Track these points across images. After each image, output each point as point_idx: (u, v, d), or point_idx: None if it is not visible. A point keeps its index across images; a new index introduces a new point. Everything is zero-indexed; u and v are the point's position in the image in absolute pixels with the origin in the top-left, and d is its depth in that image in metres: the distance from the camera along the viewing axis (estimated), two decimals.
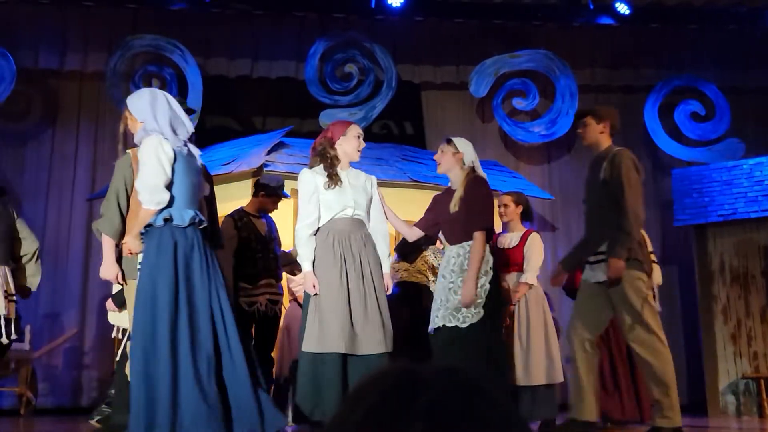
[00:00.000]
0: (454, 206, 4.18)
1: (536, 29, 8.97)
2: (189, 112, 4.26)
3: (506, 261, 5.22)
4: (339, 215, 3.97)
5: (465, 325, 4.04)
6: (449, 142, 4.31)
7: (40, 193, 8.26)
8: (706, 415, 7.32)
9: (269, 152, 7.03)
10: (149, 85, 8.44)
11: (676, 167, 8.43)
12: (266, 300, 5.05)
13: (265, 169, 6.81)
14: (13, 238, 5.32)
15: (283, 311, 5.89)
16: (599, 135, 4.26)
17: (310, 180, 4.01)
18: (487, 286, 4.11)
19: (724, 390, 7.40)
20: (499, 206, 5.35)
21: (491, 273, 4.15)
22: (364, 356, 3.78)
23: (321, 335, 3.78)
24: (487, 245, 4.18)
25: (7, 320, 5.08)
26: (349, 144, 4.07)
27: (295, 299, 6.01)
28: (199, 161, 3.82)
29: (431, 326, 4.21)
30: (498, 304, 4.22)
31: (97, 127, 8.53)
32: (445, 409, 0.63)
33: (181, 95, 8.40)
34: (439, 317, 4.14)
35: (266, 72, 8.69)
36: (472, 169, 4.25)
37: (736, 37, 8.92)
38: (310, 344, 3.80)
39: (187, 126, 3.74)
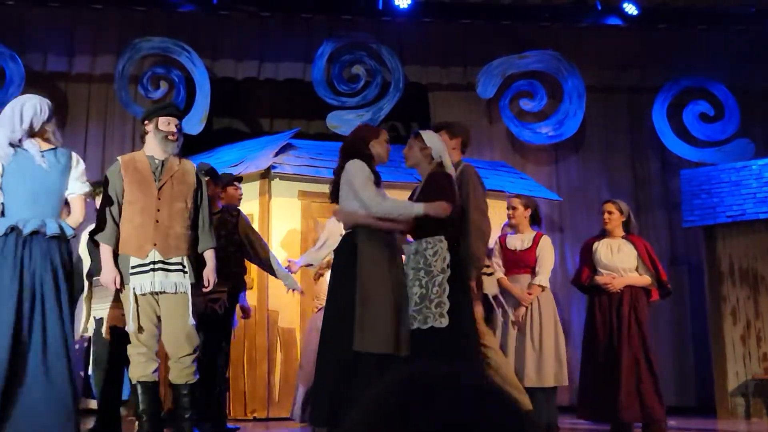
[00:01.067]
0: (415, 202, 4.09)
1: (544, 30, 8.95)
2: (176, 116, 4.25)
3: (517, 263, 5.27)
4: None
5: (426, 326, 3.87)
6: (417, 135, 4.19)
7: None
8: (716, 416, 7.30)
9: (277, 154, 7.04)
10: (157, 87, 8.48)
11: (685, 168, 8.40)
12: (207, 299, 4.75)
13: (272, 170, 6.82)
14: None
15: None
16: (451, 150, 4.32)
17: (365, 167, 3.96)
18: (446, 285, 3.91)
19: (734, 392, 7.37)
20: (507, 209, 5.42)
21: (449, 272, 3.93)
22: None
23: (392, 335, 3.82)
24: (446, 242, 3.96)
25: None
26: (381, 147, 4.08)
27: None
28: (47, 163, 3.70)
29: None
30: (463, 306, 3.98)
31: (106, 130, 8.57)
32: (458, 415, 0.62)
33: (189, 97, 8.44)
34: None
35: (274, 74, 8.70)
36: (440, 165, 4.11)
37: (744, 37, 8.88)
38: (378, 345, 3.76)
39: (24, 125, 3.68)
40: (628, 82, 9.11)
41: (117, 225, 4.01)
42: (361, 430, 0.65)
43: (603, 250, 5.29)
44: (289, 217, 6.87)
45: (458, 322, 3.90)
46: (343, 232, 4.14)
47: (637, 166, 9.05)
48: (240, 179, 5.73)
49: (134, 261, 4.00)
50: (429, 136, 4.18)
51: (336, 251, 4.07)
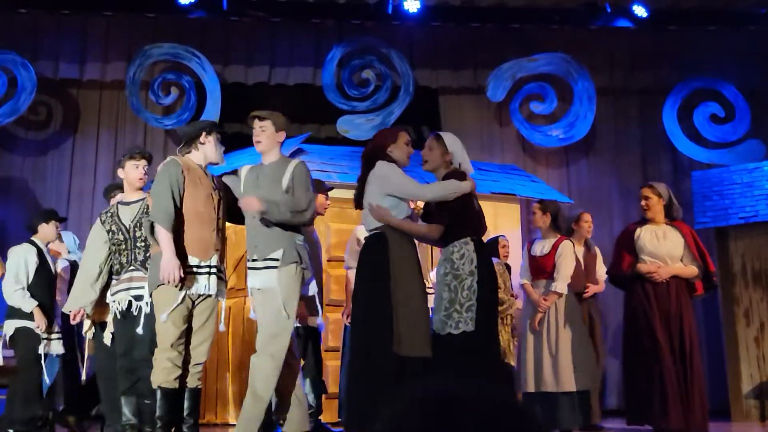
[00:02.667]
0: (438, 212, 4.05)
1: (553, 32, 8.94)
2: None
3: (538, 269, 5.26)
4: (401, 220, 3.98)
5: (458, 332, 3.87)
6: (438, 138, 4.17)
7: (62, 201, 8.33)
8: (730, 419, 7.25)
9: None
10: (168, 93, 8.51)
11: (696, 169, 8.37)
12: (129, 296, 4.42)
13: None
14: None
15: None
16: (276, 143, 4.25)
17: (394, 165, 3.97)
18: (476, 287, 3.89)
19: (748, 394, 7.33)
20: (529, 214, 5.44)
21: (477, 274, 3.90)
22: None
23: (420, 338, 3.81)
24: (472, 243, 3.95)
25: None
26: (400, 151, 4.07)
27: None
28: None
29: (432, 329, 4.06)
30: (491, 308, 3.98)
31: (117, 136, 8.61)
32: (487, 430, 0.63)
33: (200, 103, 8.47)
34: (434, 324, 4.00)
35: (284, 79, 8.72)
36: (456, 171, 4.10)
37: (755, 38, 8.85)
38: (412, 347, 3.77)
39: None
40: (638, 84, 9.08)
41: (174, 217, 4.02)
42: None
43: (647, 236, 4.94)
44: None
45: (487, 324, 3.90)
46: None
47: (648, 167, 9.02)
48: (331, 189, 5.66)
49: (191, 261, 4.00)
50: (451, 140, 4.17)
51: (365, 250, 3.99)
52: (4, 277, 5.50)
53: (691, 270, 4.89)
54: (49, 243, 5.67)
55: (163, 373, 3.97)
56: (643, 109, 9.18)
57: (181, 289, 3.96)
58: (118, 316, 4.42)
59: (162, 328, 4.00)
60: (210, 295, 4.06)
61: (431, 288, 4.94)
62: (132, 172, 4.56)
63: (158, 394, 3.96)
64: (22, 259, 5.44)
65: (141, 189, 4.63)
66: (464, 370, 3.81)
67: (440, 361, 3.85)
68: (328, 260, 6.78)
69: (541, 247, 5.30)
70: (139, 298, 4.34)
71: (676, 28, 8.96)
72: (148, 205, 4.38)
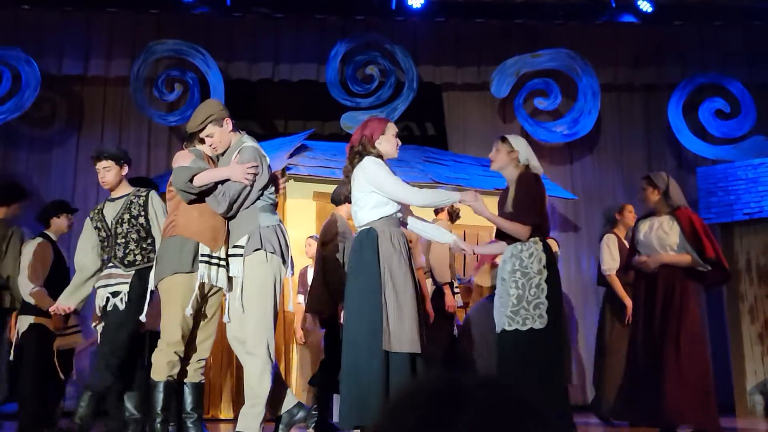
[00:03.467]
0: (509, 206, 4.17)
1: (558, 28, 8.92)
2: None
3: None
4: (391, 215, 3.92)
5: (525, 328, 4.00)
6: (504, 140, 4.27)
7: (66, 197, 8.29)
8: (734, 415, 7.24)
9: (291, 155, 7.05)
10: (172, 90, 8.51)
11: (701, 165, 8.35)
12: (107, 293, 4.32)
13: (287, 172, 6.82)
14: None
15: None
16: (229, 134, 4.14)
17: (381, 162, 3.91)
18: (544, 285, 4.03)
19: (752, 390, 7.32)
20: None
21: (546, 272, 4.05)
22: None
23: (410, 335, 3.74)
24: (541, 243, 4.10)
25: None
26: (389, 143, 4.00)
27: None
28: None
29: (497, 327, 4.17)
30: (560, 306, 4.14)
31: (121, 132, 8.61)
32: (491, 427, 0.62)
33: (203, 99, 8.46)
34: (500, 321, 4.12)
35: (288, 75, 8.72)
36: (527, 167, 4.21)
37: (760, 33, 8.81)
38: (400, 344, 3.73)
39: None
40: (643, 79, 9.06)
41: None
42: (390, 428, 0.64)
43: (644, 228, 4.91)
44: (304, 219, 6.87)
45: (555, 323, 4.01)
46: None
47: (653, 163, 8.99)
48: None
49: (203, 249, 3.95)
50: (516, 140, 4.28)
51: (355, 245, 3.95)
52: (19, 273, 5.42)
53: (683, 258, 4.73)
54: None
55: (168, 366, 3.91)
56: (648, 105, 9.15)
57: (190, 279, 3.91)
58: (98, 313, 4.36)
59: (174, 319, 3.91)
60: (220, 288, 4.02)
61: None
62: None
63: (160, 387, 3.93)
64: (38, 254, 5.34)
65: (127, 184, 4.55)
66: (528, 367, 3.95)
67: (504, 357, 4.03)
68: None
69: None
70: (115, 294, 4.27)
71: (681, 24, 8.93)
72: (131, 201, 4.37)
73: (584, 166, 9.02)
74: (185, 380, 4.05)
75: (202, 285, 3.95)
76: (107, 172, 4.46)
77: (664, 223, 4.81)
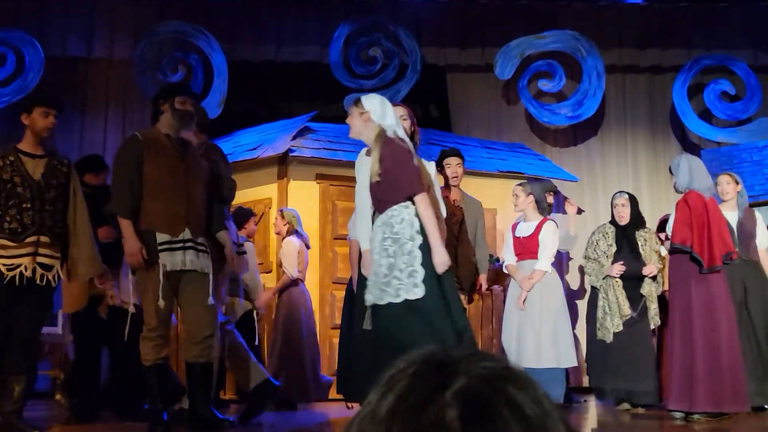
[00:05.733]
0: (374, 175, 3.68)
1: (562, 9, 8.87)
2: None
3: (523, 249, 5.38)
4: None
5: (399, 300, 3.54)
6: (357, 102, 3.84)
7: None
8: None
9: (294, 137, 7.05)
10: (175, 71, 8.50)
11: (706, 148, 8.32)
12: (34, 263, 3.93)
13: (290, 154, 6.83)
14: None
15: None
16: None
17: (365, 163, 3.81)
18: (417, 252, 3.57)
19: None
20: (512, 197, 5.52)
21: (420, 238, 3.60)
22: None
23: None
24: (413, 207, 3.64)
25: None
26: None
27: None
28: None
29: (366, 302, 3.70)
30: (437, 276, 3.62)
31: (125, 115, 8.62)
32: (480, 395, 0.63)
33: (207, 81, 8.46)
34: (371, 295, 3.65)
35: (291, 57, 8.70)
36: (383, 129, 3.70)
37: (766, 14, 8.75)
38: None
39: None
40: (647, 61, 9.01)
41: (136, 199, 3.98)
42: (380, 413, 0.65)
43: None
44: (307, 201, 6.88)
45: (433, 293, 3.57)
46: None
47: (658, 146, 8.98)
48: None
49: (162, 237, 3.98)
50: (369, 99, 3.84)
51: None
52: None
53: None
54: None
55: (153, 350, 3.99)
56: (653, 86, 9.11)
57: (154, 269, 3.96)
58: (16, 283, 3.95)
59: (146, 306, 4.01)
60: (192, 271, 4.02)
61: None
62: (40, 121, 4.03)
63: (154, 371, 3.98)
64: None
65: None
66: (405, 341, 3.43)
67: (379, 333, 3.59)
68: (335, 238, 6.81)
69: (526, 229, 5.40)
70: (47, 268, 3.95)
71: (687, 5, 8.87)
72: (56, 165, 4.04)
73: (589, 148, 9.00)
74: (190, 360, 4.09)
75: (166, 272, 3.98)
76: (53, 122, 4.17)
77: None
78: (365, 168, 3.76)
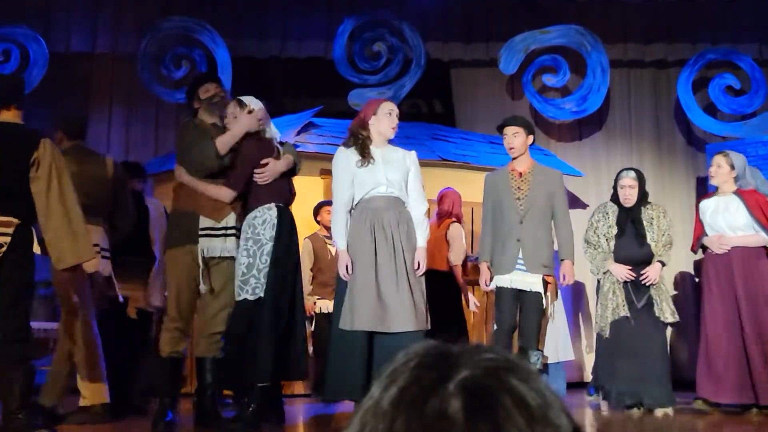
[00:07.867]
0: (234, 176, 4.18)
1: (567, 4, 8.85)
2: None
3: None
4: (372, 193, 3.99)
5: (254, 298, 3.85)
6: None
7: None
8: None
9: (299, 132, 7.05)
10: (179, 67, 8.50)
11: (711, 142, 8.30)
12: None
13: (295, 149, 6.82)
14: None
15: None
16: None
17: (343, 158, 4.05)
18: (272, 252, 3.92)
19: None
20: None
21: (276, 239, 3.93)
22: (394, 334, 3.79)
23: (352, 313, 3.81)
24: (276, 209, 3.99)
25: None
26: (380, 123, 4.09)
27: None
28: None
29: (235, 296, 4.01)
30: (282, 278, 3.91)
31: (130, 110, 8.63)
32: (482, 385, 0.63)
33: (211, 76, 8.44)
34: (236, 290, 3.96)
35: (295, 52, 8.70)
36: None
37: None
38: (343, 322, 3.85)
39: None
40: (652, 55, 8.99)
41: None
42: (382, 405, 0.66)
43: (710, 207, 4.99)
44: (311, 196, 6.89)
45: (273, 294, 3.85)
46: None
47: (663, 140, 8.96)
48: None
49: (205, 222, 3.97)
50: (248, 99, 4.30)
51: None
52: None
53: (756, 238, 4.84)
54: None
55: (170, 342, 3.97)
56: (658, 81, 9.09)
57: (189, 255, 3.94)
58: None
59: (171, 293, 3.98)
60: (230, 258, 3.98)
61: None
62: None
63: (168, 364, 3.97)
64: None
65: None
66: (256, 339, 3.81)
67: (236, 327, 3.86)
68: None
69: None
70: None
71: None
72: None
73: (594, 143, 8.99)
74: (199, 355, 4.07)
75: (203, 258, 3.96)
76: None
77: (730, 203, 4.91)
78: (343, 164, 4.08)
